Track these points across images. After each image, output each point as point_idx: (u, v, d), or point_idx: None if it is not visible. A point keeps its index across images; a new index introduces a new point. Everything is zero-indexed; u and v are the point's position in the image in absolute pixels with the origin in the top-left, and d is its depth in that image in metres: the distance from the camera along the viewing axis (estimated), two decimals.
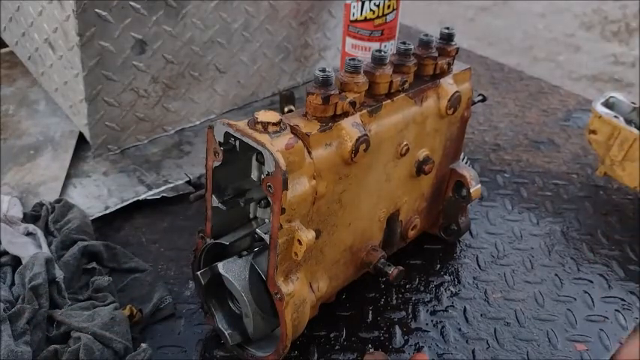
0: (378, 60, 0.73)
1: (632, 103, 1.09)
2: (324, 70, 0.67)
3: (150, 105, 1.11)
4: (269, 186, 0.63)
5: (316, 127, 0.67)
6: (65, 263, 0.83)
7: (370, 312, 0.84)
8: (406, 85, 0.77)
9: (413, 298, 0.87)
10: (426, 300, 0.87)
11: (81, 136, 1.11)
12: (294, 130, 0.66)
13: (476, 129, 1.27)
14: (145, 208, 1.00)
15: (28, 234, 0.89)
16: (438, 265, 0.93)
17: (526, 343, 0.81)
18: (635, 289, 0.90)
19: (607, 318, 0.85)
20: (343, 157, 0.70)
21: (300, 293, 0.69)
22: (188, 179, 1.04)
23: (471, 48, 1.76)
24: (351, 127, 0.70)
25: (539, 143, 1.24)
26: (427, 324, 0.83)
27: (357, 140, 0.69)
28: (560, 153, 1.21)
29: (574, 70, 3.47)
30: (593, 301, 0.88)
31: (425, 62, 0.80)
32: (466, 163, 0.99)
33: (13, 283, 0.80)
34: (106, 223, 0.96)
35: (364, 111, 0.72)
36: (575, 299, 0.88)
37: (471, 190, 0.90)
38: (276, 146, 0.62)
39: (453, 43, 0.83)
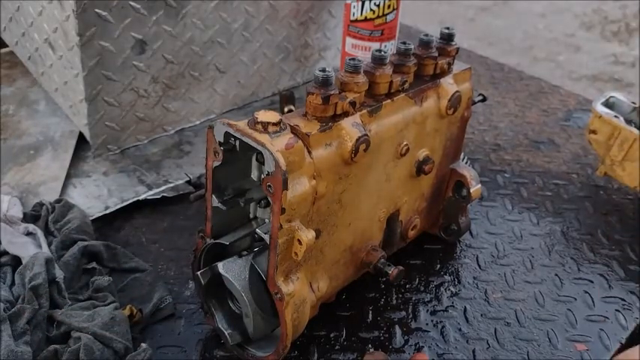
0: (378, 60, 0.73)
1: (632, 103, 1.09)
2: (324, 70, 0.67)
3: (150, 105, 1.11)
4: (269, 186, 0.63)
5: (316, 127, 0.67)
6: (65, 263, 0.83)
7: (370, 312, 0.84)
8: (406, 85, 0.77)
9: (413, 298, 0.87)
10: (426, 300, 0.87)
11: (81, 136, 1.11)
12: (294, 130, 0.66)
13: (476, 129, 1.27)
14: (145, 208, 1.00)
15: (28, 234, 0.89)
16: (438, 265, 0.93)
17: (526, 343, 0.81)
18: (636, 289, 0.90)
19: (607, 318, 0.85)
20: (343, 157, 0.70)
21: (300, 293, 0.69)
22: (188, 179, 1.04)
23: (471, 48, 1.76)
24: (351, 127, 0.70)
25: (539, 143, 1.24)
26: (427, 324, 0.83)
27: (357, 140, 0.69)
28: (561, 153, 1.21)
29: (574, 70, 3.47)
30: (593, 301, 0.88)
31: (425, 62, 0.80)
32: (466, 163, 0.99)
33: (13, 283, 0.80)
34: (106, 223, 0.96)
35: (364, 111, 0.72)
36: (575, 299, 0.88)
37: (471, 190, 0.90)
38: (276, 146, 0.62)
39: (453, 43, 0.83)
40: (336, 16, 1.31)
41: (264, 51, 1.22)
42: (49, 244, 0.87)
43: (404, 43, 0.77)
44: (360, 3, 1.13)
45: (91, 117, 1.04)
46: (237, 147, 0.68)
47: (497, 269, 0.92)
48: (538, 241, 0.98)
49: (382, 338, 0.80)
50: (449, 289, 0.89)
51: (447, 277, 0.91)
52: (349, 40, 1.18)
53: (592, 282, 0.91)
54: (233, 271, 0.71)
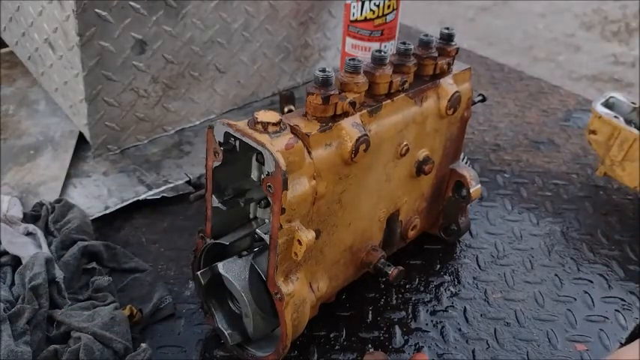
0: (378, 60, 0.73)
1: (632, 103, 1.09)
2: (324, 70, 0.67)
3: (150, 105, 1.11)
4: (269, 186, 0.63)
5: (316, 127, 0.67)
6: (65, 263, 0.83)
7: (370, 312, 0.84)
8: (406, 85, 0.77)
9: (413, 298, 0.87)
10: (426, 300, 0.87)
11: (81, 136, 1.11)
12: (294, 130, 0.66)
13: (476, 129, 1.27)
14: (145, 208, 1.00)
15: (28, 234, 0.89)
16: (438, 265, 0.93)
17: (526, 343, 0.81)
18: (635, 289, 0.90)
19: (607, 318, 0.85)
20: (343, 157, 0.70)
21: (300, 293, 0.69)
22: (188, 179, 1.04)
23: (471, 48, 1.76)
24: (351, 127, 0.70)
25: (539, 143, 1.24)
26: (427, 324, 0.83)
27: (357, 140, 0.69)
28: (560, 153, 1.21)
29: (574, 70, 3.47)
30: (593, 301, 0.88)
31: (425, 62, 0.80)
32: (466, 163, 0.99)
33: (13, 283, 0.80)
34: (106, 223, 0.96)
35: (364, 111, 0.72)
36: (575, 299, 0.88)
37: (471, 190, 0.90)
38: (276, 146, 0.62)
39: (453, 43, 0.83)
40: (336, 16, 1.31)
41: (264, 51, 1.22)
42: (49, 244, 0.87)
43: (404, 43, 0.77)
44: (360, 3, 1.13)
45: (91, 117, 1.04)
46: (237, 147, 0.68)
47: (497, 269, 0.93)
48: (538, 242, 0.98)
49: (382, 338, 0.80)
50: (449, 290, 0.89)
51: (447, 278, 0.91)
52: (349, 41, 1.18)
53: (592, 282, 0.91)
54: (233, 271, 0.71)
